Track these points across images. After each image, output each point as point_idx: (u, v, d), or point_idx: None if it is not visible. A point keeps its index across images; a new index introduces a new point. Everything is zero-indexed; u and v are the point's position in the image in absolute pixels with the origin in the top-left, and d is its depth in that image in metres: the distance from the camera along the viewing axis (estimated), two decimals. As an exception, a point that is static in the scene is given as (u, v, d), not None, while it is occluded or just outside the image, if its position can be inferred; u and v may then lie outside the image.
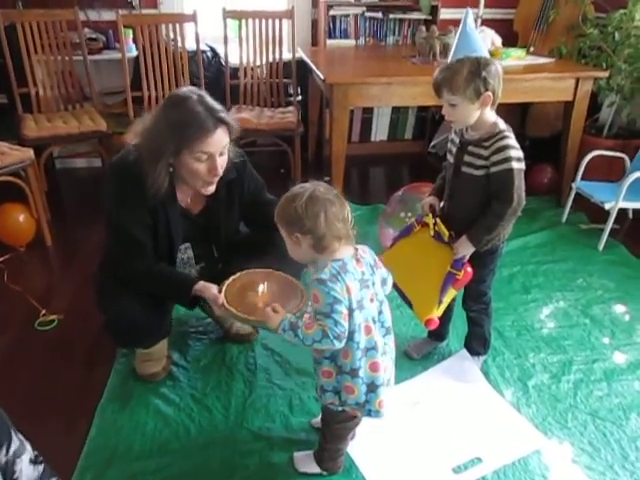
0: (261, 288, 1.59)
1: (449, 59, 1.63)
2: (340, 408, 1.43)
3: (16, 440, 1.13)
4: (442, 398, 1.88)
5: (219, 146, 1.58)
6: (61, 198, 3.63)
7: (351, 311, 1.30)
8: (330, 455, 1.55)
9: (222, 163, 1.62)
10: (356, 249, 1.36)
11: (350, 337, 1.32)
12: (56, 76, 3.36)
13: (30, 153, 2.75)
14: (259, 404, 1.83)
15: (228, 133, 1.60)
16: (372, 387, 1.39)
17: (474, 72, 1.54)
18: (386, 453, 1.66)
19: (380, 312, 1.40)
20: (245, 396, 1.87)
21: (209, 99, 1.59)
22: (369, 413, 1.42)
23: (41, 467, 1.20)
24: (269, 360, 2.04)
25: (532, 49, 3.60)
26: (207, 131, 1.54)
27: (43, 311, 2.31)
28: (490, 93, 1.57)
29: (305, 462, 1.58)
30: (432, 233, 1.77)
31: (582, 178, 3.00)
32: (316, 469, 1.57)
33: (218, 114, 1.56)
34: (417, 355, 2.05)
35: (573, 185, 3.02)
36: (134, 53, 3.47)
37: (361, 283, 1.33)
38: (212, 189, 1.68)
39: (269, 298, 1.57)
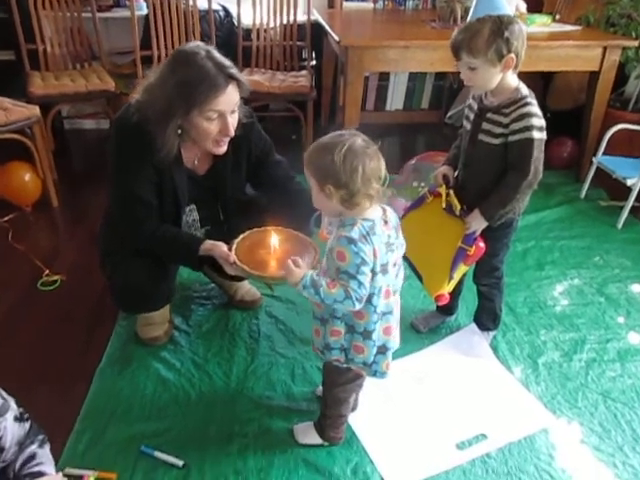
0: (272, 245, 1.53)
1: (468, 18, 1.53)
2: (345, 366, 1.39)
3: None
4: (448, 373, 1.83)
5: (231, 104, 1.51)
6: (69, 159, 3.59)
7: (374, 274, 1.25)
8: (332, 422, 1.52)
9: (233, 122, 1.55)
10: (384, 210, 1.30)
11: (368, 300, 1.27)
12: (64, 33, 3.30)
13: (36, 110, 2.69)
14: (261, 372, 1.80)
15: (239, 90, 1.52)
16: (383, 349, 1.36)
17: (496, 32, 1.44)
18: (388, 426, 1.63)
19: (396, 276, 1.35)
20: (247, 363, 1.84)
21: (217, 54, 1.50)
22: (375, 374, 1.39)
23: (27, 424, 1.17)
24: (273, 328, 2.00)
25: (558, 17, 3.44)
26: (218, 88, 1.46)
27: (46, 271, 2.29)
28: (513, 55, 1.47)
29: (306, 433, 1.55)
30: (444, 205, 1.70)
31: (604, 153, 2.89)
32: (317, 440, 1.54)
33: (228, 70, 1.48)
34: (424, 328, 2.00)
35: (594, 160, 2.91)
36: (144, 11, 3.38)
37: (387, 246, 1.27)
38: (223, 149, 1.60)
39: (281, 255, 1.51)
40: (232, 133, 1.55)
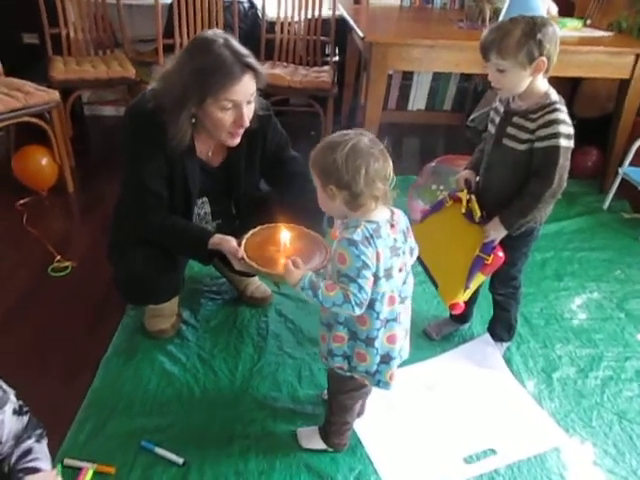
0: (283, 242, 1.49)
1: (501, 18, 1.47)
2: (349, 374, 1.35)
3: None
4: (459, 383, 1.78)
5: (246, 94, 1.47)
6: (87, 145, 3.59)
7: (377, 279, 1.20)
8: (337, 429, 1.48)
9: (249, 113, 1.51)
10: (392, 212, 1.25)
11: (370, 305, 1.22)
12: (88, 18, 3.30)
13: (56, 95, 2.68)
14: (267, 371, 1.77)
15: (255, 80, 1.48)
16: (386, 358, 1.30)
17: (528, 33, 1.38)
18: (395, 435, 1.58)
19: (404, 282, 1.29)
20: (253, 361, 1.80)
21: (236, 43, 1.46)
22: (378, 383, 1.34)
23: (26, 418, 1.14)
24: (282, 327, 1.97)
25: (589, 21, 3.35)
26: (234, 78, 1.42)
27: (58, 257, 2.28)
28: (545, 58, 1.41)
29: (310, 437, 1.51)
30: (464, 210, 1.65)
31: (630, 164, 2.81)
32: (321, 445, 1.50)
33: (245, 59, 1.44)
34: (437, 336, 1.95)
35: (620, 170, 2.83)
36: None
37: (392, 250, 1.22)
38: (237, 141, 1.57)
39: (292, 253, 1.47)
40: (247, 124, 1.52)
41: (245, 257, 1.45)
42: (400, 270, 1.26)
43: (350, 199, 1.18)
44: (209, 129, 1.54)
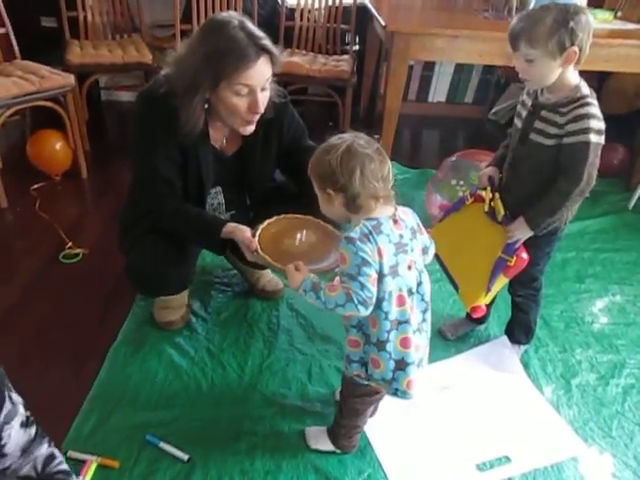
0: (299, 236, 1.45)
1: (531, 5, 1.40)
2: (366, 382, 1.30)
3: (8, 404, 1.02)
4: (474, 386, 1.72)
5: (261, 79, 1.42)
6: (103, 130, 3.56)
7: (381, 276, 1.16)
8: (346, 432, 1.43)
9: (264, 100, 1.46)
10: (395, 209, 1.21)
11: (378, 305, 1.17)
12: (106, 2, 3.25)
13: (71, 79, 2.65)
14: (276, 367, 1.73)
15: (271, 64, 1.43)
16: (401, 364, 1.24)
17: (560, 22, 1.31)
18: (406, 438, 1.53)
19: (420, 283, 1.24)
20: (263, 357, 1.76)
21: (251, 25, 1.41)
22: (395, 392, 1.27)
23: (32, 429, 1.09)
24: (293, 322, 1.92)
25: (620, 14, 3.22)
26: (248, 60, 1.37)
27: (69, 244, 2.26)
28: (576, 48, 1.33)
29: (318, 438, 1.47)
30: (486, 209, 1.58)
31: (659, 162, 2.71)
32: (329, 446, 1.45)
33: (261, 41, 1.39)
34: (452, 336, 1.90)
35: (647, 169, 2.73)
36: (188, -16, 3.29)
37: (397, 247, 1.17)
38: (251, 129, 1.52)
39: (307, 248, 1.42)
40: (261, 110, 1.46)
41: (259, 249, 1.41)
42: (409, 268, 1.21)
43: (348, 201, 1.16)
44: (223, 116, 1.49)
